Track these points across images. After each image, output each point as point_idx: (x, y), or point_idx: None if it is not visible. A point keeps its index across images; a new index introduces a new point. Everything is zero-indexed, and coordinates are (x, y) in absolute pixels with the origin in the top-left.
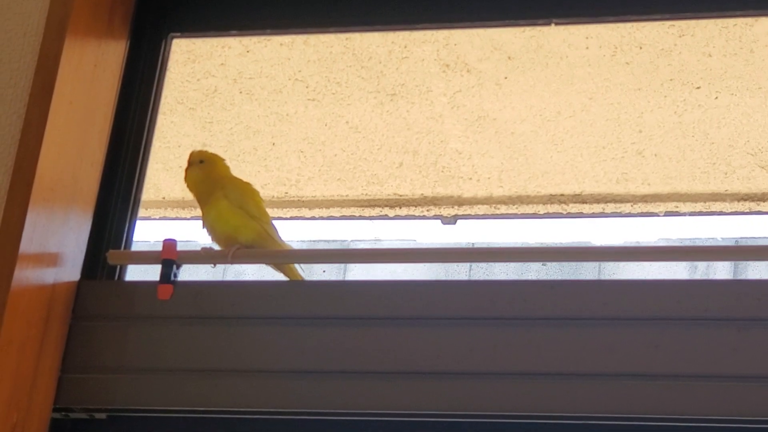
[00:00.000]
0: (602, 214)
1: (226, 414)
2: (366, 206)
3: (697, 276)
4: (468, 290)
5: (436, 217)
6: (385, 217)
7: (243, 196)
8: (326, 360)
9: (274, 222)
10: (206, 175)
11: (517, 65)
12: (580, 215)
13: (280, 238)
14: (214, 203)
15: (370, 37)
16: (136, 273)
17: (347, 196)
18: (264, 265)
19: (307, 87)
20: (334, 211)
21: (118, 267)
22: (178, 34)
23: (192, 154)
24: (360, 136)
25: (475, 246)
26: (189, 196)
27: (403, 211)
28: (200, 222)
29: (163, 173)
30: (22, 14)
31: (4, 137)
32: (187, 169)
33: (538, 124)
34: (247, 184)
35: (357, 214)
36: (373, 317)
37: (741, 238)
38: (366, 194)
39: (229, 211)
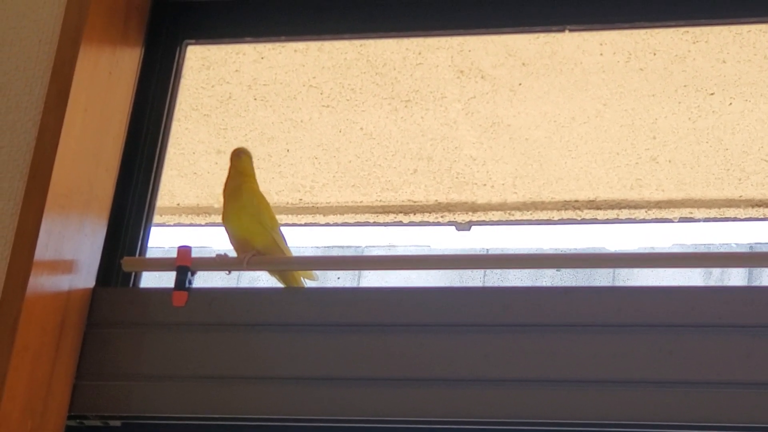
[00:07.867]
0: (616, 220)
1: (241, 421)
2: (380, 212)
3: (712, 282)
4: (482, 297)
5: (450, 223)
6: (400, 224)
7: (259, 205)
8: (341, 367)
9: (286, 229)
10: (249, 170)
11: (531, 71)
12: (594, 221)
13: (286, 245)
14: (237, 210)
15: (385, 43)
16: (150, 280)
17: (361, 202)
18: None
19: (321, 93)
20: (349, 218)
21: (133, 274)
22: (193, 41)
23: (242, 149)
24: (374, 143)
25: (490, 252)
26: (203, 202)
27: (418, 218)
28: (216, 228)
29: (178, 180)
30: (37, 22)
31: (19, 144)
32: (239, 157)
33: (552, 131)
34: (263, 196)
35: (371, 221)
36: (388, 324)
37: (755, 243)
38: (380, 200)
39: (246, 216)
